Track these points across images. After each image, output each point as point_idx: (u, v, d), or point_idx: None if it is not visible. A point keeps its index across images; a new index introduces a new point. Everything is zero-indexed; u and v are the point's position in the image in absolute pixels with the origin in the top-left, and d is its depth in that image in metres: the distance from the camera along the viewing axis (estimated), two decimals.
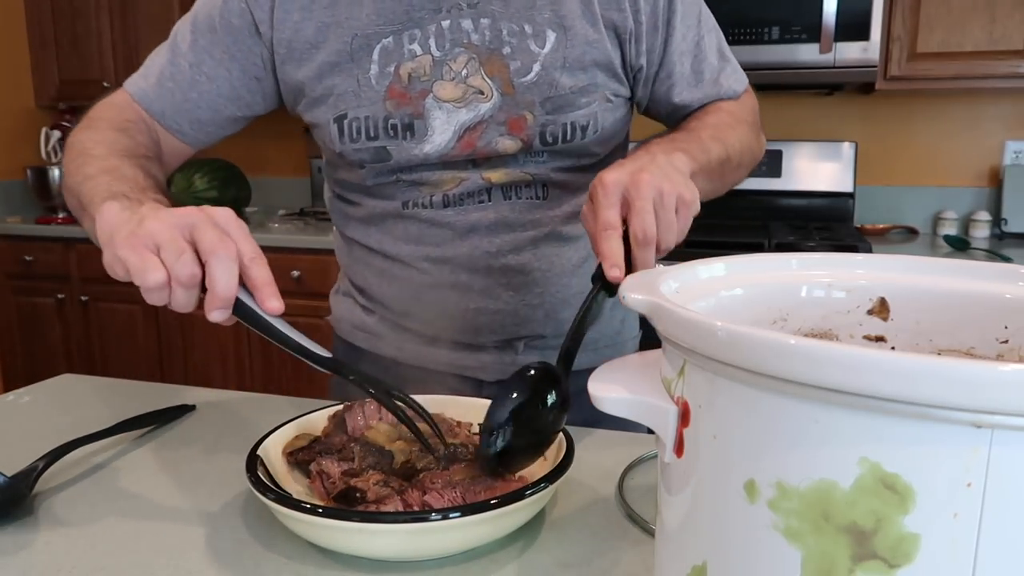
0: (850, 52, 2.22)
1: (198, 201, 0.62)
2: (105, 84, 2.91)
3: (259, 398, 0.93)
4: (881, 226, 2.58)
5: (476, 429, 0.65)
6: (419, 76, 0.85)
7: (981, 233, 2.48)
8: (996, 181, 2.55)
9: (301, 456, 0.66)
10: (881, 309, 0.47)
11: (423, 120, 0.85)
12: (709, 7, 0.93)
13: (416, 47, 0.84)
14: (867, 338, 0.47)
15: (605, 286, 0.65)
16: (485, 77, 0.85)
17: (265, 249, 0.61)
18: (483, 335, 0.92)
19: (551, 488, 0.58)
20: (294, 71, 0.87)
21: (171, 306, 0.59)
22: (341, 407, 0.71)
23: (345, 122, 0.86)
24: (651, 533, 0.60)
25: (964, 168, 2.58)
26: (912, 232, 2.60)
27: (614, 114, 0.89)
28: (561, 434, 0.65)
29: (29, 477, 0.66)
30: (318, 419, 0.72)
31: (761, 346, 0.29)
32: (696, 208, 0.69)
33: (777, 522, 0.30)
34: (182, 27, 0.91)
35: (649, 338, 0.79)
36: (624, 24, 0.86)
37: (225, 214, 0.60)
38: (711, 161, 0.79)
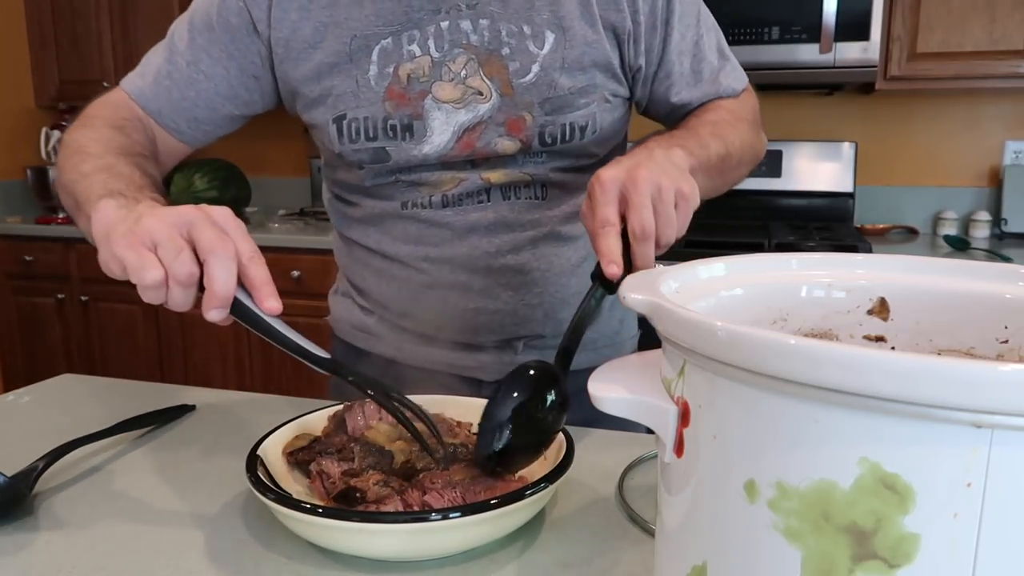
0: (850, 52, 2.22)
1: (198, 201, 0.61)
2: (105, 84, 2.91)
3: (259, 398, 0.93)
4: (881, 226, 2.58)
5: (476, 429, 0.65)
6: (418, 77, 0.85)
7: (981, 233, 2.48)
8: (996, 181, 2.55)
9: (301, 456, 0.66)
10: (881, 309, 0.47)
11: (422, 121, 0.85)
12: (709, 7, 0.93)
13: (415, 48, 0.84)
14: (867, 338, 0.47)
15: (604, 284, 0.65)
16: (484, 78, 0.85)
17: (265, 249, 0.61)
18: (482, 335, 0.92)
19: (551, 488, 0.58)
20: (292, 71, 0.87)
21: (168, 305, 0.58)
22: (341, 407, 0.71)
23: (344, 123, 0.86)
24: (651, 533, 0.60)
25: (964, 168, 2.58)
26: (912, 232, 2.60)
27: (612, 114, 0.89)
28: (561, 434, 0.65)
29: (29, 477, 0.66)
30: (318, 419, 0.72)
31: (761, 346, 0.29)
32: (695, 202, 0.68)
33: (777, 522, 0.30)
34: (179, 26, 0.90)
35: (648, 338, 0.79)
36: (623, 24, 0.86)
37: (223, 213, 0.60)
38: (710, 157, 0.79)
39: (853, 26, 2.20)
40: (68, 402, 0.92)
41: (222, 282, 0.57)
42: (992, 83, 2.25)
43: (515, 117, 0.85)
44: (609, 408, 0.38)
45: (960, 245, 2.36)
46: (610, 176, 0.66)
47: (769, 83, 2.32)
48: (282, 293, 0.60)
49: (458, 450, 0.65)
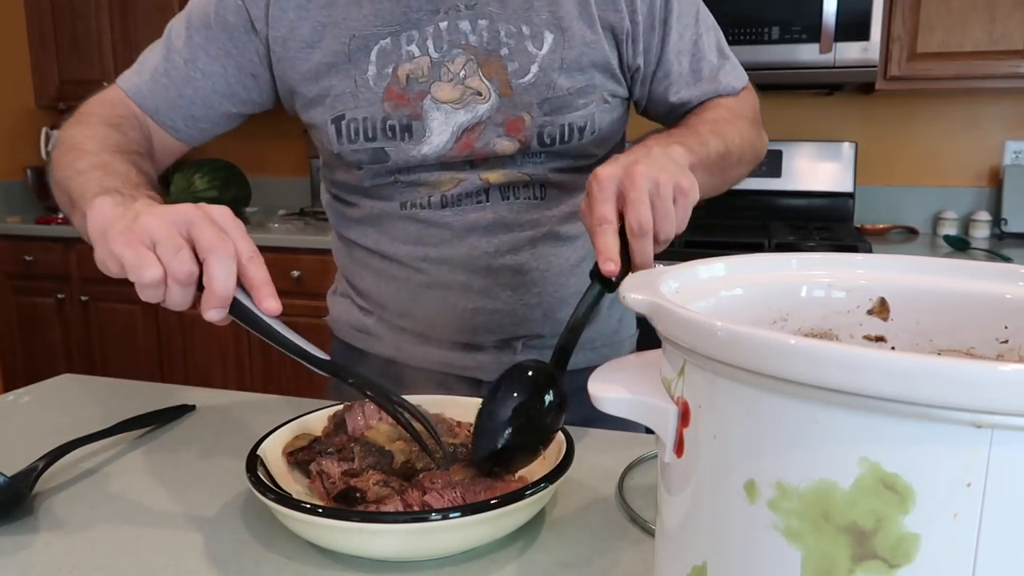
0: (850, 52, 2.22)
1: (197, 201, 0.61)
2: (105, 84, 2.86)
3: (259, 398, 0.93)
4: (881, 226, 2.58)
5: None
6: (417, 77, 0.85)
7: (981, 233, 2.48)
8: (996, 181, 2.55)
9: (301, 456, 0.66)
10: (881, 309, 0.47)
11: (421, 121, 0.85)
12: (708, 6, 0.93)
13: (414, 48, 0.84)
14: (867, 338, 0.47)
15: (602, 282, 0.64)
16: (483, 78, 0.85)
17: (265, 249, 0.61)
18: (481, 335, 0.92)
19: (551, 488, 0.58)
20: (289, 70, 0.87)
21: (165, 303, 0.58)
22: (341, 407, 0.71)
23: (343, 123, 0.86)
24: (651, 533, 0.60)
25: (964, 168, 2.58)
26: (912, 232, 2.60)
27: (611, 115, 0.89)
28: (561, 434, 0.65)
29: (29, 477, 0.66)
30: (318, 419, 0.72)
31: (761, 346, 0.29)
32: (695, 197, 0.68)
33: (777, 522, 0.30)
34: (176, 24, 0.90)
35: (647, 337, 0.79)
36: (621, 25, 0.86)
37: (222, 212, 0.60)
38: (710, 155, 0.78)
39: (853, 26, 2.20)
40: (68, 402, 0.92)
41: (222, 281, 0.56)
42: (992, 83, 2.25)
43: (514, 117, 0.85)
44: (609, 408, 0.38)
45: (960, 245, 2.36)
46: (607, 174, 0.66)
47: (769, 83, 2.32)
48: (282, 293, 0.59)
49: (458, 450, 0.65)
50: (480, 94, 0.85)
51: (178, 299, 0.57)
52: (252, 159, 3.16)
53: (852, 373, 0.27)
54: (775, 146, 2.57)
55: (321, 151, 0.95)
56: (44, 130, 3.07)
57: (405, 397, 0.66)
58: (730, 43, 0.95)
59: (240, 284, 0.58)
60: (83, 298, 2.85)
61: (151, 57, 0.90)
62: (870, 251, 2.09)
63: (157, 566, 0.56)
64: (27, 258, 2.89)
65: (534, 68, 0.84)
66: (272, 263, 0.60)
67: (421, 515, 0.53)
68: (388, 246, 0.93)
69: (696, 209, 0.70)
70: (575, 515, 0.64)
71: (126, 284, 0.59)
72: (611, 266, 0.63)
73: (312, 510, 0.54)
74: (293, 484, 0.64)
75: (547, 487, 0.57)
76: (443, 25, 0.84)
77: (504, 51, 0.84)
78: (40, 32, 3.10)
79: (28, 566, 0.57)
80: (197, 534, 0.61)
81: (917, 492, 0.27)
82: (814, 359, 0.28)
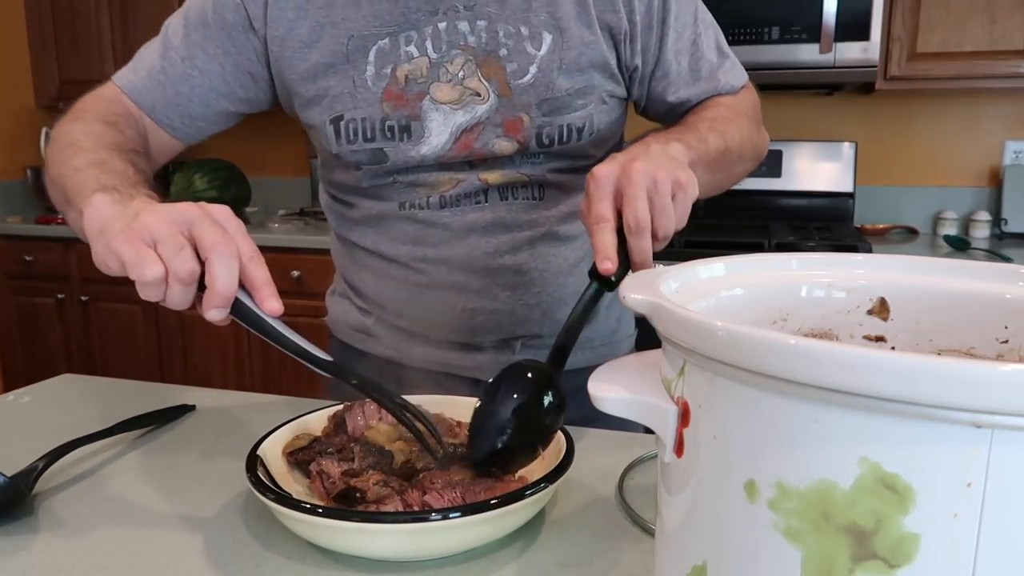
0: (850, 52, 2.22)
1: (197, 201, 0.61)
2: None
3: (259, 398, 0.93)
4: (881, 226, 2.58)
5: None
6: (416, 78, 0.84)
7: (981, 233, 2.48)
8: (996, 181, 2.55)
9: (301, 456, 0.66)
10: (881, 309, 0.47)
11: (420, 122, 0.85)
12: (708, 7, 0.93)
13: (413, 49, 0.84)
14: (867, 338, 0.47)
15: (600, 280, 0.64)
16: (482, 79, 0.85)
17: (265, 249, 0.61)
18: (480, 335, 0.92)
19: (551, 488, 0.58)
20: (287, 69, 0.87)
21: (165, 302, 0.57)
22: (341, 407, 0.71)
23: (341, 124, 0.86)
24: (651, 533, 0.60)
25: (964, 168, 2.58)
26: (912, 232, 2.60)
27: (609, 115, 0.89)
28: (561, 434, 0.65)
29: (29, 477, 0.66)
30: (318, 419, 0.72)
31: (761, 346, 0.29)
32: (694, 192, 0.67)
33: (777, 522, 0.30)
34: (174, 21, 0.90)
35: (646, 337, 0.79)
36: (619, 25, 0.86)
37: (223, 211, 0.59)
38: (709, 152, 0.78)
39: (853, 26, 2.20)
40: (68, 402, 0.92)
41: (224, 281, 0.56)
42: (992, 83, 2.25)
43: (512, 118, 0.85)
44: (609, 408, 0.38)
45: (960, 245, 2.36)
46: (604, 172, 0.66)
47: (769, 83, 2.32)
48: (282, 293, 0.59)
49: (458, 450, 0.65)
50: (479, 95, 0.85)
51: (179, 298, 0.57)
52: (252, 159, 3.16)
53: (852, 373, 0.27)
54: (775, 146, 2.57)
55: (320, 152, 0.95)
56: (44, 130, 3.07)
57: (405, 397, 0.66)
58: (730, 43, 0.95)
59: (241, 284, 0.58)
60: (83, 298, 2.85)
61: (148, 55, 0.90)
62: (870, 251, 2.09)
63: (157, 566, 0.56)
64: (27, 258, 2.90)
65: (533, 69, 0.84)
66: (272, 263, 0.59)
67: (421, 515, 0.53)
68: (387, 246, 0.93)
69: (696, 209, 0.69)
70: (575, 515, 0.64)
71: (126, 284, 0.59)
72: (608, 264, 0.63)
73: (312, 510, 0.54)
74: (293, 484, 0.64)
75: (547, 487, 0.57)
76: (442, 26, 0.84)
77: (503, 52, 0.84)
78: (40, 32, 3.10)
79: (28, 566, 0.57)
80: (197, 534, 0.61)
81: (917, 492, 0.27)
82: (814, 359, 0.28)
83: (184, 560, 0.57)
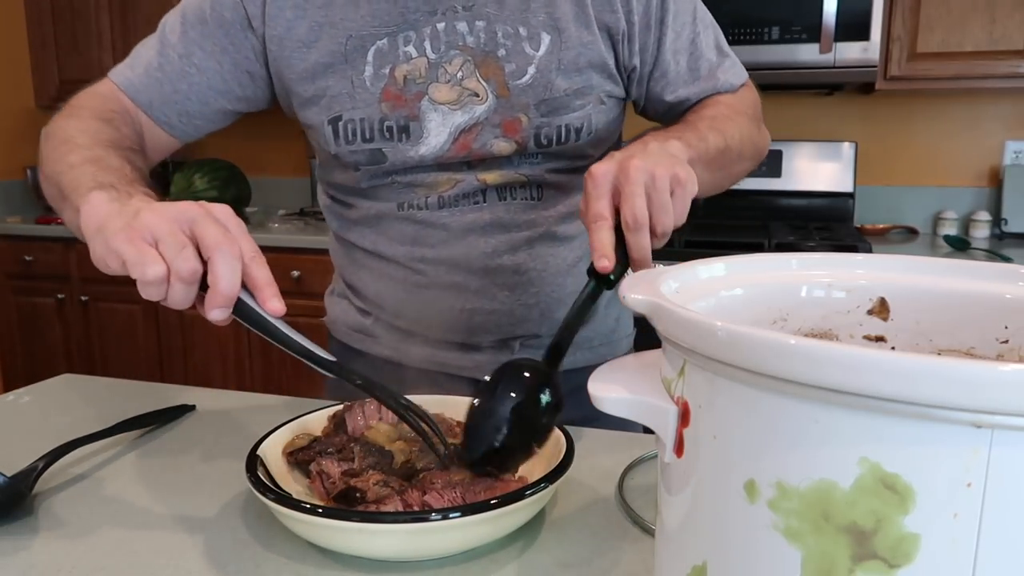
0: (850, 52, 2.22)
1: (197, 201, 0.60)
2: None
3: (259, 398, 0.93)
4: (881, 226, 2.58)
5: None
6: (414, 78, 0.84)
7: (981, 233, 2.48)
8: (996, 181, 2.55)
9: (301, 456, 0.66)
10: (881, 309, 0.47)
11: (418, 122, 0.85)
12: (708, 6, 0.93)
13: (411, 49, 0.84)
14: (867, 338, 0.47)
15: (598, 279, 0.64)
16: (480, 79, 0.84)
17: (265, 249, 0.60)
18: (479, 335, 0.92)
19: (551, 488, 0.58)
20: (286, 69, 0.87)
21: (166, 302, 0.57)
22: (341, 407, 0.71)
23: (340, 124, 0.86)
24: (651, 533, 0.60)
25: (964, 168, 2.58)
26: (912, 232, 2.60)
27: (607, 115, 0.89)
28: (561, 434, 0.65)
29: (29, 477, 0.66)
30: (317, 419, 0.72)
31: (761, 346, 0.29)
32: (693, 189, 0.67)
33: (777, 522, 0.30)
34: (171, 18, 0.89)
35: (644, 337, 0.79)
36: (617, 25, 0.86)
37: (224, 210, 0.59)
38: (708, 150, 0.78)
39: (853, 26, 2.20)
40: (68, 402, 0.92)
41: (227, 281, 0.56)
42: (992, 83, 2.25)
43: (511, 119, 0.85)
44: (609, 408, 0.38)
45: (960, 245, 2.36)
46: (602, 170, 0.65)
47: (769, 83, 2.32)
48: (282, 293, 0.59)
49: (458, 450, 0.65)
50: (477, 95, 0.85)
51: (180, 297, 0.56)
52: (252, 159, 3.16)
53: (852, 373, 0.27)
54: (775, 146, 2.57)
55: (318, 152, 0.95)
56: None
57: (408, 398, 0.66)
58: (730, 43, 0.95)
59: (242, 284, 0.58)
60: (83, 298, 2.85)
61: (145, 52, 0.89)
62: (870, 251, 2.09)
63: (157, 566, 0.56)
64: (27, 258, 2.90)
65: (531, 69, 0.84)
66: (272, 263, 0.59)
67: (421, 515, 0.53)
68: (386, 247, 0.93)
69: (696, 209, 0.69)
70: (575, 515, 0.64)
71: (126, 284, 0.58)
72: (605, 263, 0.62)
73: (312, 510, 0.54)
74: (293, 484, 0.64)
75: (547, 487, 0.57)
76: (440, 26, 0.84)
77: (501, 52, 0.84)
78: (40, 32, 3.10)
79: (28, 566, 0.57)
80: (197, 534, 0.61)
81: (917, 492, 0.27)
82: (814, 359, 0.28)
83: (184, 560, 0.57)
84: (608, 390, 0.38)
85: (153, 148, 0.89)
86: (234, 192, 2.88)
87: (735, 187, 0.93)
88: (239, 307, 0.58)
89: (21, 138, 3.22)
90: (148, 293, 0.56)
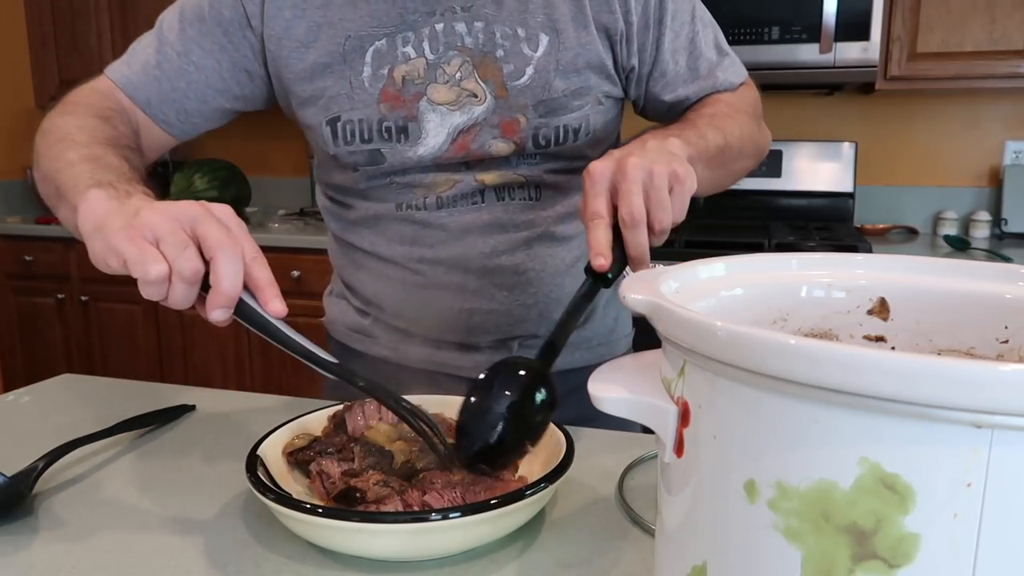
0: (850, 52, 2.22)
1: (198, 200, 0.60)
2: None
3: (259, 398, 0.93)
4: (881, 226, 2.58)
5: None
6: (413, 79, 0.84)
7: (981, 233, 2.48)
8: (996, 181, 2.55)
9: (301, 456, 0.66)
10: (881, 309, 0.47)
11: (417, 123, 0.85)
12: (708, 6, 0.93)
13: (410, 50, 0.84)
14: (867, 338, 0.47)
15: (595, 277, 0.64)
16: (478, 80, 0.84)
17: (265, 249, 0.60)
18: (477, 335, 0.92)
19: (551, 488, 0.58)
20: (284, 68, 0.86)
21: (167, 301, 0.56)
22: (341, 407, 0.71)
23: (338, 124, 0.86)
24: (651, 533, 0.60)
25: (964, 168, 2.58)
26: (912, 232, 2.60)
27: (605, 116, 0.89)
28: (561, 434, 0.65)
29: (29, 477, 0.66)
30: (317, 419, 0.72)
31: (761, 346, 0.29)
32: (691, 186, 0.67)
33: (777, 522, 0.30)
34: (169, 15, 0.89)
35: (643, 337, 0.79)
36: (615, 26, 0.86)
37: (225, 210, 0.59)
38: (708, 147, 0.78)
39: (853, 26, 2.20)
40: (68, 402, 0.92)
41: (230, 281, 0.55)
42: (992, 83, 2.25)
43: (509, 119, 0.85)
44: (609, 408, 0.38)
45: (960, 245, 2.36)
46: (600, 168, 0.65)
47: (769, 83, 2.32)
48: (282, 293, 0.59)
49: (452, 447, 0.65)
50: (476, 96, 0.85)
51: (181, 297, 0.56)
52: (252, 159, 3.16)
53: (852, 373, 0.27)
54: (775, 146, 2.57)
55: (316, 153, 0.94)
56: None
57: (408, 399, 0.66)
58: (730, 43, 0.95)
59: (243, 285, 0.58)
60: (83, 298, 2.86)
61: (142, 49, 0.89)
62: (870, 251, 2.09)
63: (157, 566, 0.56)
64: (27, 258, 2.90)
65: (529, 70, 0.84)
66: (272, 263, 0.59)
67: (421, 515, 0.53)
68: (384, 247, 0.93)
69: (696, 209, 0.69)
70: (575, 515, 0.64)
71: (126, 284, 0.58)
72: (601, 261, 0.62)
73: (312, 510, 0.54)
74: (293, 484, 0.64)
75: (547, 487, 0.57)
76: (439, 27, 0.84)
77: (500, 53, 0.84)
78: (40, 32, 3.10)
79: (28, 566, 0.57)
80: (197, 534, 0.61)
81: (917, 492, 0.27)
82: (814, 359, 0.28)
83: (184, 560, 0.57)
84: (608, 390, 0.38)
85: (149, 146, 0.89)
86: (234, 192, 2.88)
87: (735, 187, 0.93)
88: (240, 308, 0.57)
89: (21, 138, 3.22)
90: (149, 293, 0.55)
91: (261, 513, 0.63)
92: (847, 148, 2.56)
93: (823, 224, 2.48)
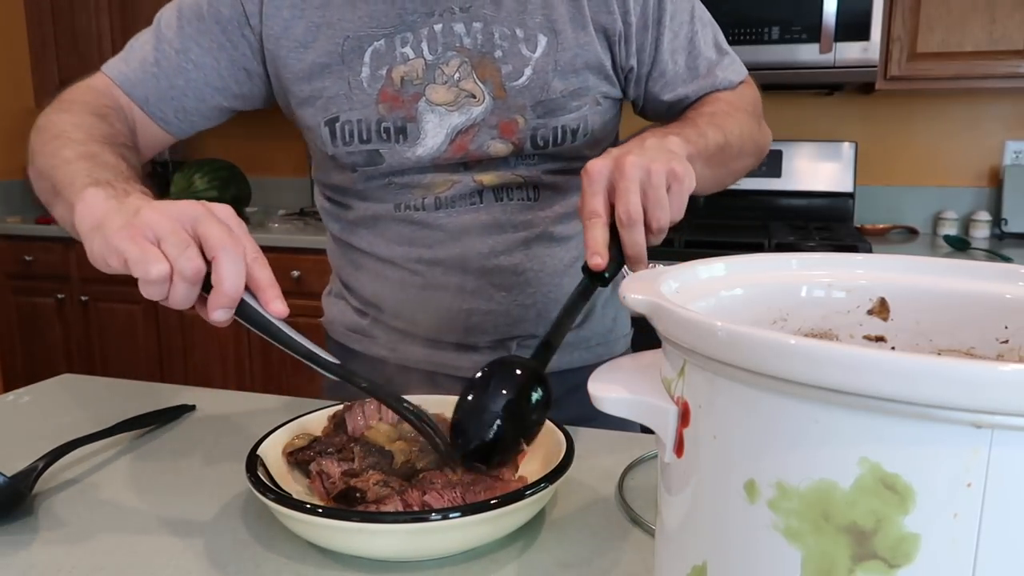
0: (850, 52, 2.22)
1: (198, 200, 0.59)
2: None
3: (259, 398, 0.93)
4: (881, 226, 2.58)
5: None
6: (411, 79, 0.84)
7: (981, 233, 2.48)
8: (996, 181, 2.55)
9: (301, 456, 0.66)
10: (881, 309, 0.47)
11: (416, 123, 0.85)
12: (708, 7, 0.93)
13: (408, 50, 0.84)
14: (867, 338, 0.47)
15: (592, 276, 0.64)
16: (477, 81, 0.84)
17: (265, 249, 0.60)
18: (476, 335, 0.92)
19: (551, 488, 0.58)
20: (283, 68, 0.86)
21: (167, 301, 0.56)
22: (341, 407, 0.71)
23: (337, 125, 0.86)
24: (651, 533, 0.60)
25: (964, 168, 2.58)
26: (912, 232, 2.60)
27: (604, 116, 0.89)
28: (561, 434, 0.65)
29: (29, 477, 0.66)
30: (317, 419, 0.72)
31: (761, 346, 0.29)
32: (690, 184, 0.66)
33: (777, 522, 0.30)
34: (167, 13, 0.88)
35: (642, 337, 0.79)
36: (613, 26, 0.86)
37: (225, 210, 0.59)
38: (708, 146, 0.77)
39: (853, 26, 2.20)
40: (68, 402, 0.92)
41: (231, 281, 0.55)
42: (992, 83, 2.25)
43: (507, 120, 0.85)
44: (609, 408, 0.38)
45: (960, 245, 2.36)
46: (598, 167, 0.65)
47: (769, 83, 2.31)
48: (282, 293, 0.59)
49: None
50: (474, 96, 0.85)
51: (182, 297, 0.56)
52: (252, 159, 3.16)
53: (852, 373, 0.27)
54: (775, 146, 2.57)
55: (314, 153, 0.94)
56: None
57: (409, 399, 0.66)
58: (730, 43, 0.95)
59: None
60: (83, 298, 2.85)
61: (140, 46, 0.88)
62: (870, 251, 2.09)
63: (157, 566, 0.56)
64: (27, 258, 2.90)
65: (528, 71, 0.84)
66: (272, 263, 0.58)
67: (421, 515, 0.53)
68: (382, 248, 0.92)
69: (696, 208, 0.69)
70: (575, 515, 0.64)
71: (126, 284, 0.58)
72: (597, 260, 0.62)
73: (312, 510, 0.54)
74: (293, 484, 0.64)
75: (547, 487, 0.57)
76: (437, 27, 0.84)
77: (498, 53, 0.84)
78: (40, 32, 3.10)
79: (28, 566, 0.57)
80: (197, 534, 0.61)
81: (917, 492, 0.27)
82: (814, 359, 0.28)
83: (184, 560, 0.57)
84: (608, 390, 0.38)
85: (146, 144, 0.88)
86: (234, 192, 2.88)
87: (735, 187, 0.93)
88: (241, 308, 0.57)
89: (21, 138, 3.20)
90: (150, 292, 0.55)
91: (261, 513, 0.63)
92: (847, 148, 2.56)
93: (823, 224, 2.48)
